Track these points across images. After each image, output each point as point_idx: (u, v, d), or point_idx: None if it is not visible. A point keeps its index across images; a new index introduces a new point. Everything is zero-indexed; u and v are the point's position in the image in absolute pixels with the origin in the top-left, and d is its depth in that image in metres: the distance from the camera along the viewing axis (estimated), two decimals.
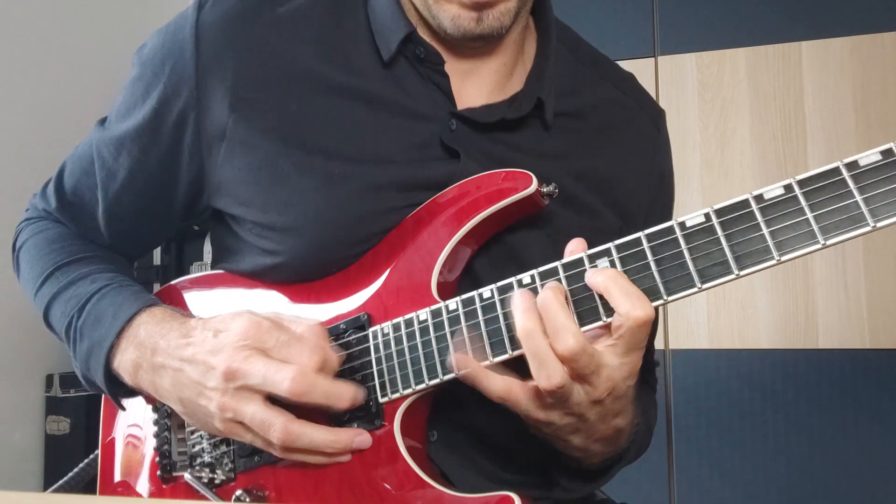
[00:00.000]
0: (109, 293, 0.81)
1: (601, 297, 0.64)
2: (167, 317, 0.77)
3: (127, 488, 0.88)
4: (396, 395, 0.72)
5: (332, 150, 0.78)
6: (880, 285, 1.78)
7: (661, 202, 0.93)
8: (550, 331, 0.63)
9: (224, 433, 0.71)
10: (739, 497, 1.83)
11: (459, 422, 0.79)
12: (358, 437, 0.71)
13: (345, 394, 0.69)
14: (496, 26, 0.77)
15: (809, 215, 0.58)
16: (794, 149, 1.87)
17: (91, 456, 1.09)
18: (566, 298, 0.65)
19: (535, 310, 0.64)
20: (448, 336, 0.70)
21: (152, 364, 0.74)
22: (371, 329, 0.74)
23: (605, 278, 0.63)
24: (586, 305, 0.65)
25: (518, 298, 0.65)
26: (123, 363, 0.77)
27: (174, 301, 0.89)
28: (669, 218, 0.65)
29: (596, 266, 0.65)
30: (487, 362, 0.68)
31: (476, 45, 0.81)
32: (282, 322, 0.70)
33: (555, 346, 0.62)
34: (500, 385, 0.67)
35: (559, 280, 0.66)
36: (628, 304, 0.62)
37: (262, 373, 0.66)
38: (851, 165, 0.58)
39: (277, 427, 0.67)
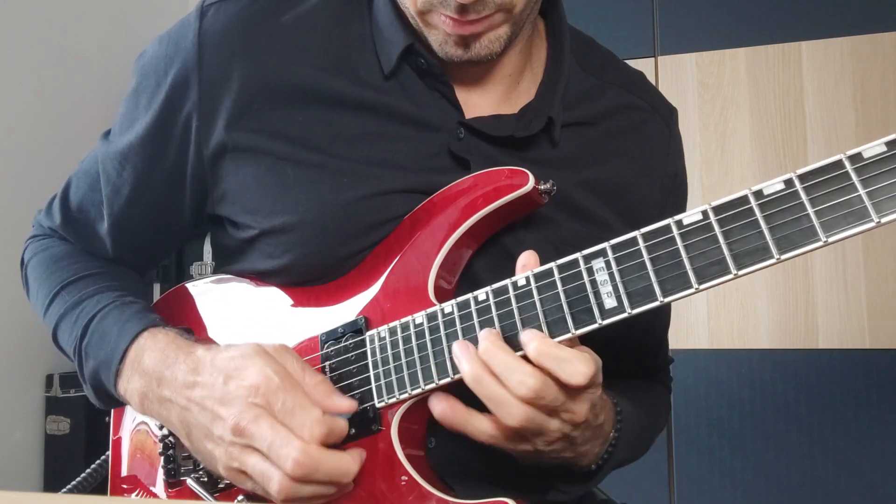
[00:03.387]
0: (112, 312, 0.80)
1: (596, 297, 0.63)
2: (170, 343, 0.75)
3: (134, 489, 0.88)
4: (393, 400, 0.72)
5: (339, 157, 0.78)
6: (880, 285, 1.78)
7: (674, 204, 0.91)
8: (503, 377, 0.63)
9: (227, 478, 0.71)
10: (739, 497, 1.83)
11: None
12: (361, 457, 0.71)
13: (350, 468, 0.68)
14: (485, 54, 0.75)
15: (810, 211, 0.56)
16: (794, 149, 1.87)
17: (103, 457, 1.09)
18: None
19: (477, 356, 0.64)
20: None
21: (159, 396, 0.73)
22: (368, 333, 0.74)
23: (533, 351, 0.63)
24: (581, 306, 0.64)
25: (455, 349, 0.66)
26: (129, 391, 0.76)
27: (184, 304, 0.89)
28: None
29: (591, 266, 0.64)
30: None
31: (472, 65, 0.79)
32: (290, 374, 0.69)
33: (513, 390, 0.62)
34: (486, 427, 0.67)
35: (554, 281, 0.65)
36: (565, 374, 0.62)
37: (268, 441, 0.65)
38: (855, 158, 0.55)
39: (276, 481, 0.66)
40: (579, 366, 0.62)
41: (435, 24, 0.74)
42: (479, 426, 0.67)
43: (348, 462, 0.68)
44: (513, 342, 0.66)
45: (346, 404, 0.70)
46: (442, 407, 0.68)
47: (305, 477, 0.65)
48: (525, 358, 0.64)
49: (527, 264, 0.68)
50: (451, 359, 0.69)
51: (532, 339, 0.63)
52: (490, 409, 0.65)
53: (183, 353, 0.73)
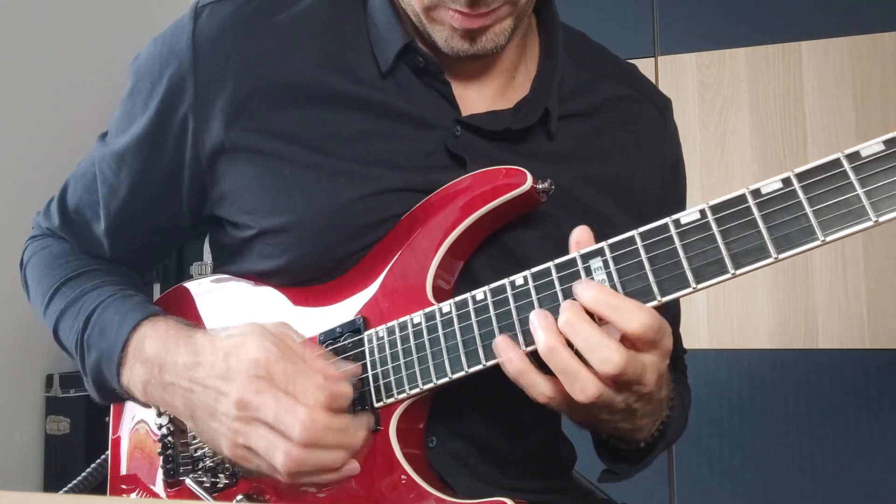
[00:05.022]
0: (113, 303, 0.80)
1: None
2: (171, 330, 0.75)
3: (134, 488, 0.88)
4: (391, 400, 0.72)
5: (336, 157, 0.78)
6: (880, 285, 1.77)
7: (675, 194, 0.92)
8: (587, 351, 0.60)
9: (231, 457, 0.70)
10: (739, 497, 1.83)
11: (458, 427, 0.79)
12: (369, 422, 0.71)
13: (358, 430, 0.68)
14: (490, 47, 0.75)
15: (808, 210, 0.56)
16: (794, 149, 1.86)
17: (102, 457, 1.09)
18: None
19: (554, 326, 0.62)
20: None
21: (161, 382, 0.73)
22: (366, 333, 0.74)
23: (589, 298, 0.61)
24: None
25: (534, 317, 0.63)
26: (133, 380, 0.76)
27: (183, 303, 0.89)
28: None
29: (589, 266, 0.64)
30: (480, 366, 0.68)
31: (473, 60, 0.79)
32: (289, 346, 0.68)
33: (596, 366, 0.60)
34: (547, 388, 0.64)
35: (552, 281, 0.65)
36: (623, 322, 0.60)
37: (274, 411, 0.65)
38: (852, 157, 0.55)
39: (281, 451, 0.65)
40: (638, 313, 0.60)
41: (441, 19, 0.75)
42: (534, 382, 0.64)
43: (357, 424, 0.68)
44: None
45: (349, 369, 0.70)
46: (504, 342, 0.66)
47: (314, 441, 0.65)
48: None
49: (580, 241, 0.66)
50: (450, 359, 0.69)
51: (587, 289, 0.61)
52: (562, 382, 0.62)
53: (183, 337, 0.73)
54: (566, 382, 0.62)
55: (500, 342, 0.65)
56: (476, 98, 0.82)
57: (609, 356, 0.60)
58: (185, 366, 0.71)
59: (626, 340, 0.61)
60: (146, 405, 0.80)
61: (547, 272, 0.66)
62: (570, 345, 0.62)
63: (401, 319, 0.72)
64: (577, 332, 0.61)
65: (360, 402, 0.73)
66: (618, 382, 0.61)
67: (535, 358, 0.65)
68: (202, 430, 0.72)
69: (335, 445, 0.66)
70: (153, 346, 0.75)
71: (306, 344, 0.70)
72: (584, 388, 0.61)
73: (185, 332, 0.74)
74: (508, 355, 0.64)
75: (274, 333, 0.69)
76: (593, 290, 0.61)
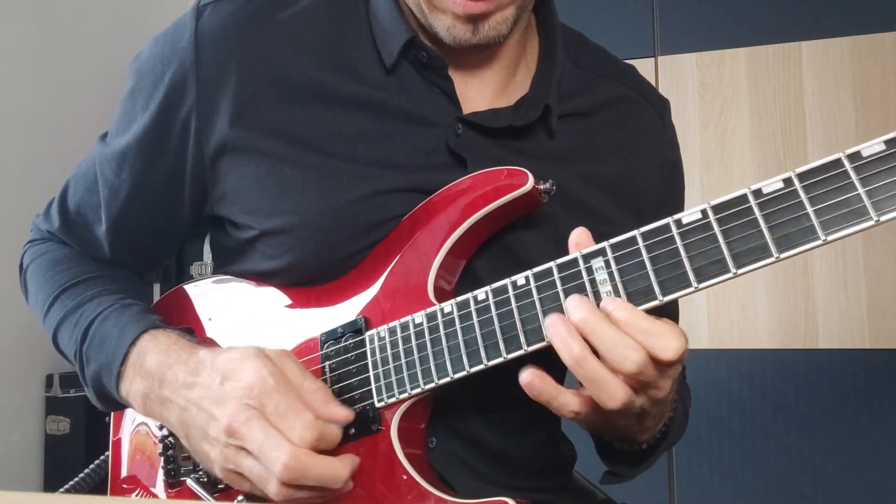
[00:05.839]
0: (112, 314, 0.80)
1: (595, 297, 0.63)
2: (172, 344, 0.75)
3: (134, 489, 0.88)
4: (392, 400, 0.72)
5: (338, 157, 0.78)
6: (880, 285, 1.77)
7: (674, 194, 0.92)
8: (604, 350, 0.60)
9: (223, 479, 0.71)
10: (739, 497, 1.83)
11: (459, 427, 0.79)
12: (353, 463, 0.70)
13: (340, 474, 0.67)
14: (493, 35, 0.75)
15: (809, 210, 0.56)
16: (794, 149, 1.87)
17: (102, 457, 1.09)
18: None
19: (577, 333, 0.61)
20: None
21: (160, 396, 0.73)
22: (367, 333, 0.74)
23: (619, 321, 0.60)
24: None
25: (554, 326, 0.62)
26: (132, 393, 0.76)
27: (182, 306, 0.88)
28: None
29: (591, 266, 0.64)
30: (482, 366, 0.68)
31: (475, 52, 0.80)
32: (288, 375, 0.68)
33: (616, 365, 0.59)
34: (577, 404, 0.64)
35: (554, 281, 0.65)
36: (657, 349, 0.59)
37: (259, 444, 0.65)
38: (854, 156, 0.55)
39: (273, 484, 0.66)
40: (671, 340, 0.59)
41: (443, 7, 0.75)
42: (566, 403, 0.64)
43: (338, 467, 0.67)
44: (514, 342, 0.66)
45: (343, 413, 0.70)
46: (531, 378, 0.64)
47: (294, 481, 0.65)
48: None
49: (579, 243, 0.65)
50: (451, 358, 0.69)
51: (617, 308, 0.60)
52: (590, 391, 0.61)
53: (185, 353, 0.73)
54: (595, 391, 0.61)
55: (530, 375, 0.63)
56: (477, 96, 0.82)
57: (628, 354, 0.59)
58: (183, 384, 0.71)
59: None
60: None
61: (549, 272, 0.66)
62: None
63: (402, 319, 0.72)
64: (595, 332, 0.60)
65: (361, 401, 0.73)
66: (637, 383, 0.61)
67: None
68: (196, 450, 0.72)
69: (316, 486, 0.66)
70: (154, 359, 0.74)
71: (306, 375, 0.70)
72: (614, 394, 0.60)
73: (188, 348, 0.74)
74: (539, 386, 0.63)
75: (273, 361, 0.68)
76: (624, 313, 0.60)
